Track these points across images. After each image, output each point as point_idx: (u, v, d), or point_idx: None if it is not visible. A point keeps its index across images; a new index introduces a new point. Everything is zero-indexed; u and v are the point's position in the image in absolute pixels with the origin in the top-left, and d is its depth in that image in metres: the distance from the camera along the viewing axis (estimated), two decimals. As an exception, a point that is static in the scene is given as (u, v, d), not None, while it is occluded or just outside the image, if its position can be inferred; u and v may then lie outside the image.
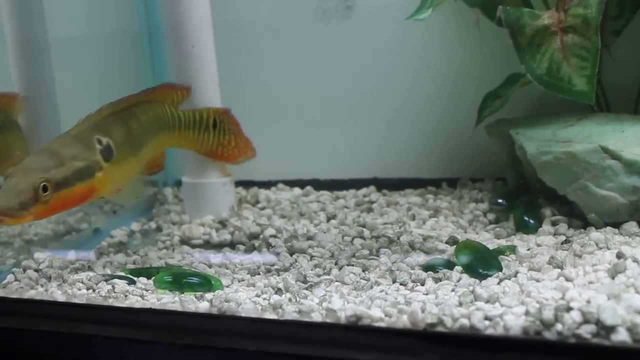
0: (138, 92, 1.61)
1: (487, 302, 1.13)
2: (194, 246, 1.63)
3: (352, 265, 1.38)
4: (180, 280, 1.33)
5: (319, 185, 1.95)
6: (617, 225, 1.41)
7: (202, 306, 1.22)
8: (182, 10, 1.68)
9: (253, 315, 1.16)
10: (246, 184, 1.96)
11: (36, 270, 1.46)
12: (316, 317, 1.13)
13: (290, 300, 1.22)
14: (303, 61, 1.94)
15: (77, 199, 1.42)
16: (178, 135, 1.64)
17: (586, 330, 0.99)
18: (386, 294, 1.23)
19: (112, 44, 2.03)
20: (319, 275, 1.36)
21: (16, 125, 1.76)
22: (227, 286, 1.35)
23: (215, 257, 1.52)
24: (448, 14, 1.75)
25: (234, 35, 1.90)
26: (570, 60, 1.45)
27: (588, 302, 1.05)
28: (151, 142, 1.58)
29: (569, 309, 1.03)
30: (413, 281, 1.29)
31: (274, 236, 1.60)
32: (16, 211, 1.32)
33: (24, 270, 1.47)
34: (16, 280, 1.43)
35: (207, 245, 1.64)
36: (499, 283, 1.22)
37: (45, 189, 1.34)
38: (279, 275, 1.39)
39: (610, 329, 0.98)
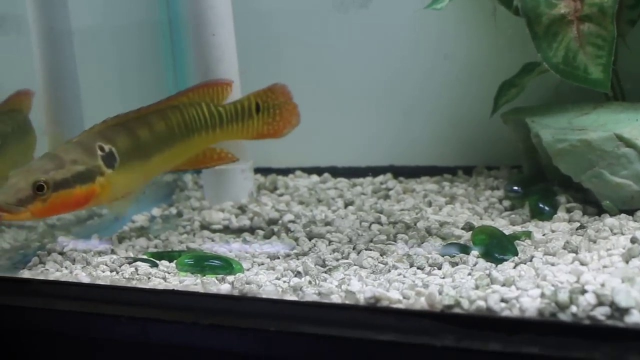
0: (169, 96, 1.64)
1: (503, 285, 1.15)
2: (214, 231, 1.66)
3: (370, 250, 1.40)
4: (201, 263, 1.36)
5: (337, 172, 1.97)
6: (631, 212, 1.43)
7: (224, 288, 1.24)
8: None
9: (274, 297, 1.18)
10: (264, 171, 1.99)
11: (60, 253, 1.49)
12: (335, 299, 1.16)
13: (310, 282, 1.25)
14: (321, 50, 1.96)
15: (77, 201, 1.46)
16: (220, 131, 1.64)
17: (600, 312, 1.01)
18: (404, 277, 1.25)
19: (132, 33, 2.05)
20: (337, 259, 1.38)
21: (30, 123, 1.80)
22: (248, 269, 1.38)
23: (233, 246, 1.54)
24: (465, 2, 1.76)
25: (254, 24, 1.92)
26: (586, 49, 1.47)
27: (602, 285, 1.07)
28: (176, 146, 1.59)
29: (583, 292, 1.04)
30: (430, 265, 1.31)
31: (293, 221, 1.62)
32: (13, 207, 1.38)
33: (49, 253, 1.50)
34: (41, 262, 1.47)
35: (227, 230, 1.67)
36: (514, 267, 1.25)
37: (41, 188, 1.39)
38: (298, 259, 1.41)
39: (624, 311, 1.00)
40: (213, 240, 1.57)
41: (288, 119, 1.72)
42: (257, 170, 1.95)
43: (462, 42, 1.85)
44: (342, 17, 1.92)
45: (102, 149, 1.49)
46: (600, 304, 1.02)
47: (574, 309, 1.03)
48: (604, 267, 1.17)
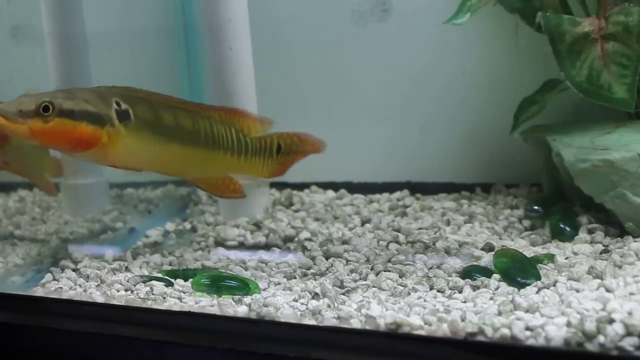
0: (202, 104, 1.62)
1: (527, 311, 1.12)
2: (228, 248, 1.63)
3: (389, 271, 1.38)
4: (218, 283, 1.34)
5: (352, 188, 1.96)
6: (655, 235, 1.41)
7: (241, 310, 1.22)
8: (220, 12, 1.68)
9: (292, 321, 1.16)
10: (279, 186, 1.97)
11: (74, 270, 1.48)
12: (355, 324, 1.13)
13: (328, 306, 1.22)
14: (339, 64, 1.95)
15: (80, 138, 1.41)
16: (244, 161, 1.61)
17: (629, 343, 0.99)
18: (424, 301, 1.23)
19: (147, 43, 2.04)
20: (355, 281, 1.36)
21: None
22: (264, 289, 1.35)
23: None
24: (485, 18, 1.74)
25: (271, 37, 1.91)
26: (611, 68, 1.45)
27: (630, 313, 1.05)
28: (199, 151, 1.56)
29: (611, 321, 1.02)
30: (451, 288, 1.29)
31: (309, 239, 1.60)
32: (13, 115, 1.35)
33: (62, 270, 1.48)
34: (54, 279, 1.44)
35: (242, 247, 1.65)
36: (537, 292, 1.22)
37: (47, 108, 1.36)
38: (315, 280, 1.39)
39: (654, 343, 0.98)
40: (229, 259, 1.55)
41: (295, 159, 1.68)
42: (272, 185, 1.93)
43: (481, 57, 1.83)
44: (360, 31, 1.90)
45: (118, 104, 1.45)
46: (629, 334, 1.00)
47: (601, 339, 1.01)
48: (631, 294, 1.15)
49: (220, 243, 1.66)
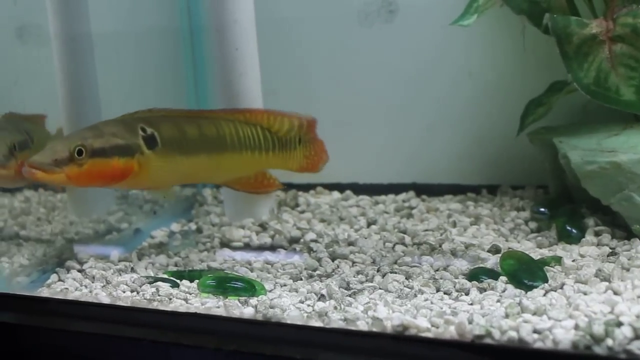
0: (227, 109, 1.66)
1: (534, 314, 1.12)
2: (234, 249, 1.63)
3: (395, 273, 1.38)
4: (223, 284, 1.33)
5: (358, 189, 1.95)
6: (662, 237, 1.40)
7: (247, 312, 1.22)
8: (227, 13, 1.68)
9: (299, 323, 1.16)
10: (285, 187, 1.96)
11: (79, 271, 1.47)
12: (362, 326, 1.13)
13: (335, 307, 1.22)
14: (344, 64, 1.94)
15: (114, 173, 1.45)
16: (272, 156, 1.65)
17: (638, 347, 0.98)
18: (431, 303, 1.23)
19: (153, 43, 2.03)
20: (361, 282, 1.36)
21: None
22: (270, 291, 1.35)
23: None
24: (492, 20, 1.73)
25: (277, 38, 1.90)
26: (619, 70, 1.44)
27: (638, 316, 1.04)
28: (226, 155, 1.59)
29: (619, 324, 1.02)
30: (457, 290, 1.28)
31: (315, 241, 1.60)
32: (49, 166, 1.39)
33: (68, 271, 1.48)
34: (60, 280, 1.44)
35: (247, 248, 1.64)
36: (545, 295, 1.22)
37: (80, 152, 1.40)
38: (321, 281, 1.39)
39: (662, 346, 0.97)
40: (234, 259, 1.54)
41: (320, 155, 1.73)
42: (278, 186, 1.92)
43: (488, 59, 1.83)
44: (366, 32, 1.89)
45: (144, 130, 1.48)
46: (638, 337, 1.00)
47: (609, 342, 1.00)
48: (639, 297, 1.14)
49: (225, 244, 1.65)
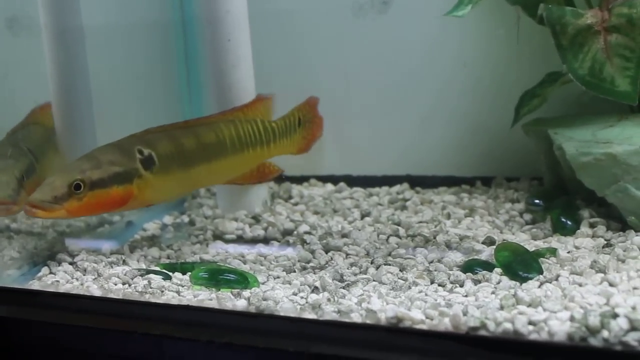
0: (224, 110, 1.66)
1: (529, 306, 1.11)
2: (227, 241, 1.62)
3: (389, 265, 1.37)
4: (216, 276, 1.32)
5: (352, 181, 1.94)
6: (657, 228, 1.39)
7: (240, 304, 1.21)
8: (219, 3, 1.67)
9: (292, 315, 1.15)
10: (278, 179, 1.95)
11: (71, 264, 1.46)
12: (356, 318, 1.12)
13: (328, 300, 1.21)
14: (337, 56, 1.93)
15: (114, 201, 1.46)
16: (273, 146, 1.67)
17: (633, 338, 0.98)
18: (425, 295, 1.22)
19: (145, 34, 2.02)
20: (355, 274, 1.35)
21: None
22: (263, 283, 1.34)
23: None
24: (486, 10, 1.72)
25: (270, 29, 1.89)
26: (614, 61, 1.43)
27: (633, 308, 1.04)
28: (228, 159, 1.60)
29: (615, 316, 1.01)
30: (452, 282, 1.27)
31: (309, 233, 1.59)
32: (49, 204, 1.40)
33: (59, 263, 1.47)
34: (51, 273, 1.43)
35: (240, 240, 1.63)
36: (540, 286, 1.21)
37: (78, 186, 1.41)
38: (315, 273, 1.38)
39: (658, 337, 0.97)
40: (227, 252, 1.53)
41: (315, 132, 1.75)
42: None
43: (482, 50, 1.81)
44: (360, 23, 1.88)
45: (141, 152, 1.49)
46: (633, 329, 0.99)
47: (605, 333, 1.00)
48: (634, 288, 1.14)
49: (218, 236, 1.64)
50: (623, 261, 1.27)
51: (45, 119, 1.83)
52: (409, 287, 1.27)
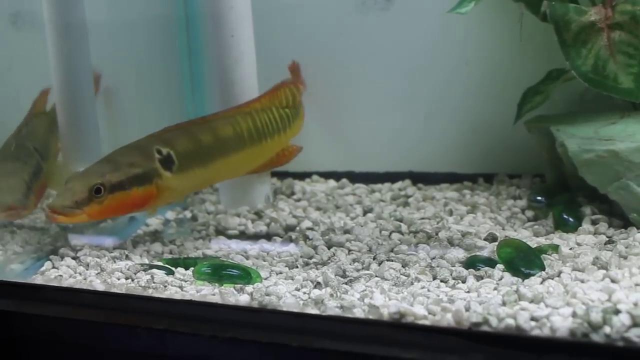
0: (241, 104, 1.67)
1: (532, 302, 1.11)
2: (229, 237, 1.62)
3: (392, 261, 1.37)
4: (219, 271, 1.33)
5: (354, 177, 1.94)
6: (659, 225, 1.40)
7: (243, 299, 1.21)
8: (223, -1, 1.67)
9: (295, 310, 1.15)
10: (281, 175, 1.95)
11: (74, 258, 1.46)
12: (358, 313, 1.13)
13: (331, 295, 1.21)
14: (340, 52, 1.93)
15: (134, 203, 1.48)
16: (290, 131, 1.71)
17: (635, 334, 0.98)
18: (428, 290, 1.22)
19: (148, 30, 2.02)
20: (358, 270, 1.35)
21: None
22: (266, 278, 1.34)
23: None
24: (489, 7, 1.72)
25: (273, 25, 1.89)
26: (617, 58, 1.43)
27: (635, 304, 1.04)
28: (246, 152, 1.62)
29: (617, 312, 1.01)
30: (454, 278, 1.27)
31: (311, 229, 1.59)
32: (70, 209, 1.41)
33: (62, 258, 1.47)
34: (54, 267, 1.44)
35: (243, 236, 1.63)
36: (542, 282, 1.21)
37: (98, 190, 1.42)
38: (317, 269, 1.38)
39: (660, 334, 0.97)
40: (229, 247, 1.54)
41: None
42: (274, 174, 1.91)
43: (485, 47, 1.81)
44: (363, 19, 1.88)
45: (159, 152, 1.50)
46: (635, 325, 0.99)
47: (607, 329, 1.00)
48: (637, 285, 1.14)
49: (221, 232, 1.65)
50: (625, 258, 1.27)
51: (45, 105, 1.83)
52: (412, 283, 1.27)
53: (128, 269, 1.37)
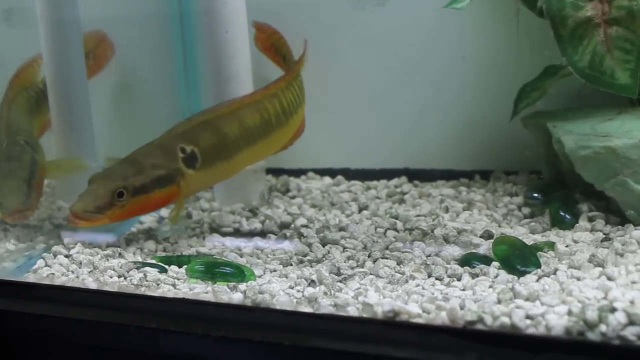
0: (268, 85, 1.64)
1: (527, 300, 1.10)
2: (224, 234, 1.61)
3: (387, 258, 1.36)
4: (212, 269, 1.32)
5: (350, 174, 1.93)
6: (657, 223, 1.39)
7: (236, 297, 1.20)
8: (217, -6, 1.66)
9: (288, 308, 1.14)
10: (276, 172, 1.94)
11: (67, 256, 1.45)
12: (352, 312, 1.11)
13: (325, 293, 1.20)
14: (335, 48, 1.91)
15: (156, 204, 1.49)
16: (304, 100, 1.69)
17: (631, 332, 0.97)
18: (423, 288, 1.21)
19: (142, 26, 2.01)
20: (352, 268, 1.34)
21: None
22: (259, 276, 1.33)
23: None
24: (485, 3, 1.71)
25: (268, 20, 1.87)
26: (614, 53, 1.43)
27: (632, 302, 1.03)
28: (273, 136, 1.61)
29: (613, 310, 1.00)
30: (449, 276, 1.27)
31: (306, 226, 1.58)
32: (91, 214, 1.41)
33: (55, 256, 1.46)
34: (46, 265, 1.42)
35: (237, 233, 1.62)
36: (538, 280, 1.20)
37: (121, 194, 1.41)
38: (311, 267, 1.37)
39: (657, 332, 0.96)
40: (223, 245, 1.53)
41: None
42: (269, 171, 1.90)
43: (481, 43, 1.80)
44: (358, 15, 1.87)
45: (183, 150, 1.49)
46: (631, 323, 0.98)
47: (603, 328, 0.99)
48: (633, 283, 1.13)
49: (215, 229, 1.64)
50: (622, 255, 1.26)
51: (29, 77, 1.82)
52: (406, 281, 1.26)
53: (121, 267, 1.36)
